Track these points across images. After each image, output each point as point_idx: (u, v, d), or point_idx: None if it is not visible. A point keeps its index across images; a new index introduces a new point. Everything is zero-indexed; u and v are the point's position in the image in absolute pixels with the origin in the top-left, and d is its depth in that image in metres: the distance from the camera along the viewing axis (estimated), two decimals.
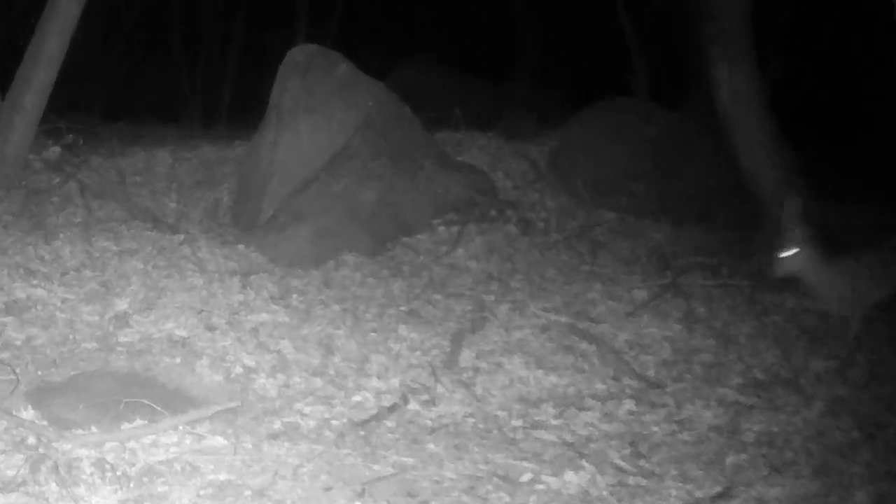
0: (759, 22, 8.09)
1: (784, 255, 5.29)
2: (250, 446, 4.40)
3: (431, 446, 4.55)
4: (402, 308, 6.45)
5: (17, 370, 5.00)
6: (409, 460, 4.38)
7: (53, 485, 3.87)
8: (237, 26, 17.10)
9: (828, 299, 5.65)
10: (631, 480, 4.28)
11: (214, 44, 17.68)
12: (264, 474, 4.11)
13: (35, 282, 6.38)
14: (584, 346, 5.87)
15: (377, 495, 4.00)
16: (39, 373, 5.07)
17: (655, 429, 4.87)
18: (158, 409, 4.57)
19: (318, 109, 8.33)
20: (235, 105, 16.42)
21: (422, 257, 7.50)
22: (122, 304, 6.07)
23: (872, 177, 8.65)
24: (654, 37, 12.35)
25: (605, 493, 4.14)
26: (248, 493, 3.93)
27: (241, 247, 7.40)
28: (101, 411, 4.58)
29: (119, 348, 5.44)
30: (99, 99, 15.85)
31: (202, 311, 6.01)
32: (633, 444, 4.66)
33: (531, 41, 16.58)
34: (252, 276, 6.76)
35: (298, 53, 8.71)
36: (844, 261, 5.53)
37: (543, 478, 4.25)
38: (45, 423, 4.48)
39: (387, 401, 5.05)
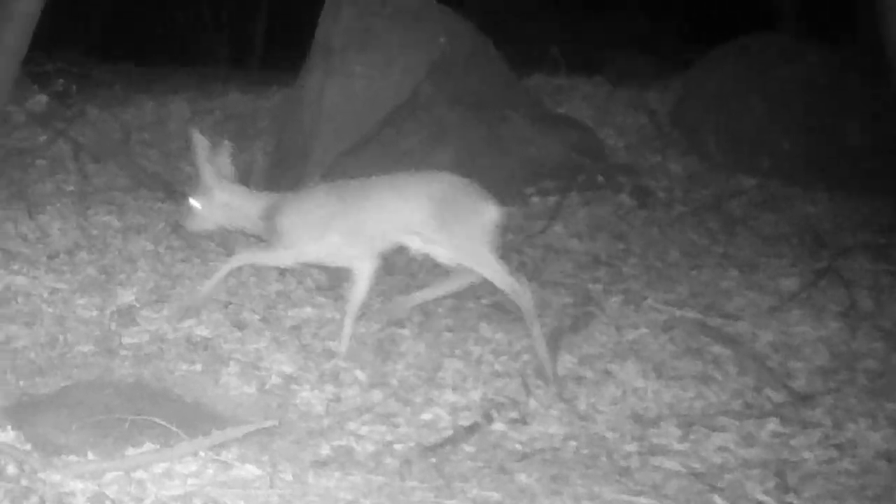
0: None
1: None
2: (291, 477, 4.39)
3: (522, 477, 4.53)
4: (484, 301, 6.48)
5: None
6: (494, 495, 4.36)
7: None
8: None
9: None
10: None
11: None
12: None
13: (15, 267, 6.52)
14: (716, 349, 5.86)
15: None
16: (21, 383, 5.15)
17: (807, 455, 4.83)
18: (173, 429, 4.58)
19: (377, 46, 8.38)
20: (271, 41, 16.62)
21: (510, 236, 7.43)
22: (126, 296, 6.17)
23: None
24: None
25: None
26: None
27: None
28: (100, 432, 4.62)
29: (123, 352, 5.52)
30: (97, 33, 16.22)
31: (229, 304, 6.09)
32: (778, 474, 4.62)
33: None
34: None
35: None
36: None
37: None
38: (29, 447, 4.50)
39: (465, 419, 5.08)
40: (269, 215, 5.68)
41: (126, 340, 5.67)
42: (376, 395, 5.29)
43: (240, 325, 5.90)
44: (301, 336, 5.86)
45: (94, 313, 5.99)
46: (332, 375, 5.45)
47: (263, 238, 5.88)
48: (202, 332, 5.78)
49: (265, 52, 16.71)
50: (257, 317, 6.02)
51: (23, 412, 4.83)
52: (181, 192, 7.85)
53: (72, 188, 7.95)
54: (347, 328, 5.71)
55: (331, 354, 5.65)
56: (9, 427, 4.63)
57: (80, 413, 4.77)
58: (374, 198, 5.65)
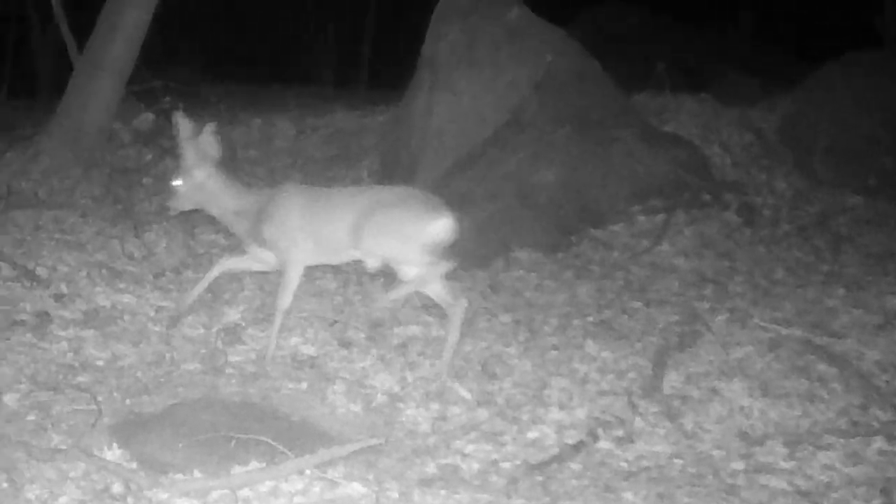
0: None
1: None
2: (397, 495, 4.46)
3: (628, 496, 4.55)
4: (591, 319, 6.55)
5: (100, 398, 5.22)
6: None
7: None
8: None
9: None
10: None
11: None
12: None
13: (122, 286, 6.77)
14: (822, 367, 5.82)
15: None
16: (128, 402, 5.29)
17: None
18: (280, 447, 4.64)
19: (484, 64, 8.50)
20: (378, 59, 16.83)
21: (616, 254, 7.61)
22: (232, 315, 6.36)
23: None
24: None
25: None
26: None
27: None
28: (206, 451, 4.71)
29: (229, 370, 5.66)
30: (203, 51, 16.60)
31: (335, 322, 6.22)
32: (884, 492, 4.58)
33: None
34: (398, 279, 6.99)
35: None
36: None
37: None
38: (135, 465, 4.64)
39: (571, 437, 5.09)
40: (247, 214, 5.90)
41: (232, 359, 5.80)
42: (482, 413, 5.32)
43: (346, 344, 6.01)
44: (407, 354, 5.94)
45: (201, 332, 6.17)
46: (437, 393, 5.50)
47: (230, 231, 6.17)
48: (308, 350, 5.90)
49: (371, 70, 16.92)
50: (363, 335, 6.12)
51: (129, 430, 4.93)
52: None
53: None
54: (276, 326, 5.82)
55: (437, 373, 5.68)
56: (115, 445, 4.77)
57: (187, 431, 4.85)
58: (332, 208, 5.78)
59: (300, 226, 5.75)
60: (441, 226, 5.56)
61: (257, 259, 6.01)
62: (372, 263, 5.77)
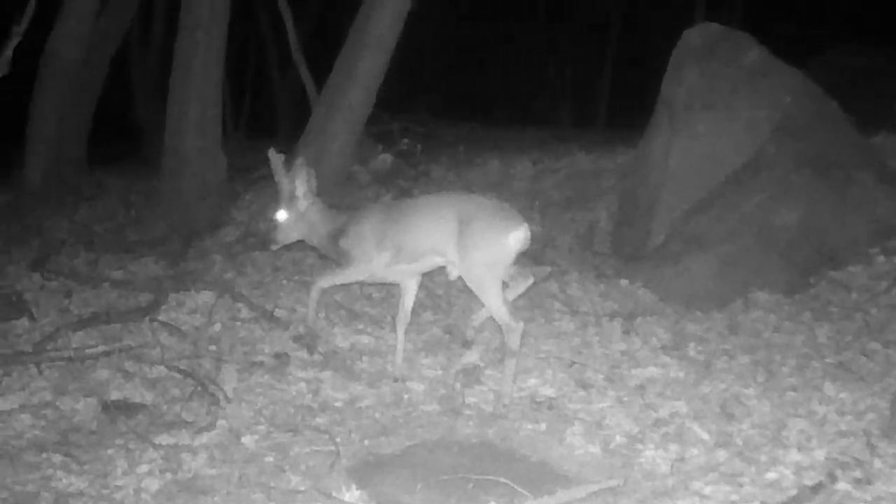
0: None
1: None
2: None
3: None
4: (829, 360, 6.45)
5: (338, 439, 5.33)
6: None
7: None
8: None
9: None
10: None
11: (583, 22, 18.27)
12: None
13: (360, 326, 6.94)
14: None
15: None
16: (366, 443, 5.36)
17: None
18: (518, 488, 4.65)
19: (722, 106, 8.46)
20: (615, 101, 16.79)
21: (854, 295, 7.49)
22: (470, 355, 6.37)
23: None
24: None
25: None
26: None
27: (623, 282, 7.75)
28: (444, 492, 4.73)
29: (467, 411, 5.69)
30: (441, 94, 16.94)
31: (573, 363, 6.23)
32: None
33: None
34: (637, 320, 7.01)
35: (696, 35, 8.90)
36: None
37: None
38: None
39: (810, 478, 4.98)
40: (334, 234, 6.25)
41: (470, 400, 5.84)
42: (721, 454, 5.25)
43: (584, 385, 6.00)
44: (645, 395, 5.90)
45: (439, 373, 6.24)
46: (676, 435, 5.44)
47: (327, 256, 6.45)
48: (547, 391, 5.91)
49: (609, 112, 16.93)
50: (601, 376, 6.11)
51: (368, 471, 5.00)
52: (527, 253, 8.06)
53: None
54: (399, 345, 6.19)
55: (676, 414, 5.66)
56: (354, 486, 4.82)
57: (425, 473, 4.90)
58: (411, 217, 6.02)
59: (378, 240, 6.06)
60: (519, 236, 5.71)
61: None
62: (454, 272, 5.97)
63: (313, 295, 6.32)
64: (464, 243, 5.73)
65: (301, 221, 6.31)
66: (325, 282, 6.33)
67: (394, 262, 6.08)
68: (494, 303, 5.75)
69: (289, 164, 6.31)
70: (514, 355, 5.72)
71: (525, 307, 7.14)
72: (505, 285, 5.84)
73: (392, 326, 6.81)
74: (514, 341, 5.70)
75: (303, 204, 6.26)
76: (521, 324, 5.78)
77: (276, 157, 6.27)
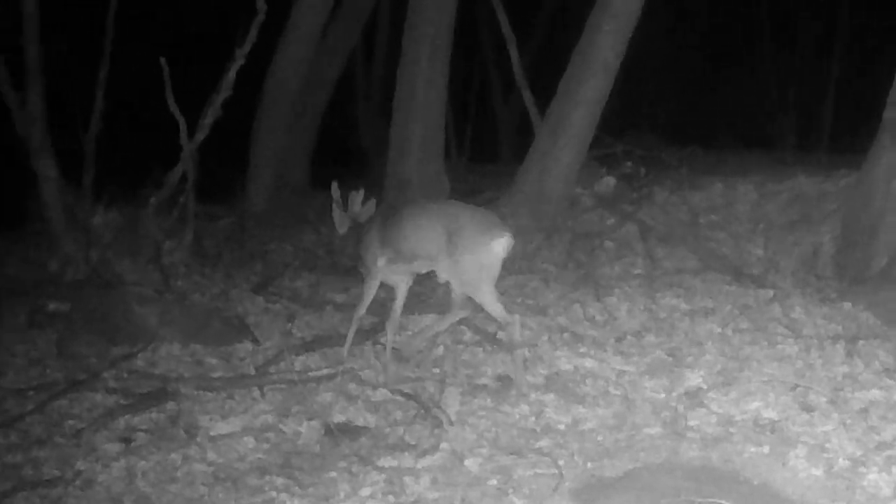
0: None
1: None
2: None
3: None
4: None
5: (561, 462, 5.43)
6: None
7: None
8: (841, 17, 17.28)
9: None
10: None
11: (807, 44, 17.99)
12: None
13: (583, 349, 7.07)
14: None
15: None
16: (589, 465, 5.45)
17: None
18: None
19: None
20: (840, 123, 16.47)
21: None
22: (694, 378, 6.45)
23: None
24: None
25: None
26: None
27: (845, 305, 7.70)
28: None
29: (690, 434, 5.72)
30: (665, 116, 16.95)
31: (796, 386, 6.20)
32: None
33: None
34: (860, 343, 6.94)
35: None
36: None
37: None
38: None
39: None
40: (356, 245, 7.20)
41: (693, 423, 5.87)
42: None
43: (807, 408, 5.96)
44: (868, 418, 5.82)
45: (662, 395, 6.30)
46: None
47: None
48: (769, 414, 5.90)
49: (833, 135, 16.62)
50: (824, 399, 6.06)
51: (591, 494, 5.10)
52: (749, 276, 8.15)
53: (639, 270, 8.47)
54: (389, 336, 6.96)
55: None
56: None
57: (648, 496, 4.97)
58: (405, 224, 6.74)
59: (381, 242, 6.85)
60: (503, 242, 6.35)
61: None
62: (442, 276, 6.61)
63: (353, 325, 7.12)
64: (453, 250, 6.39)
65: (345, 239, 7.66)
66: (360, 308, 7.10)
67: (392, 262, 6.81)
68: (489, 302, 6.36)
69: (345, 197, 7.33)
70: (517, 346, 6.40)
71: (748, 330, 7.18)
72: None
73: (615, 349, 6.97)
74: (513, 334, 6.35)
75: (339, 229, 7.45)
76: (517, 317, 6.40)
77: (335, 188, 7.32)
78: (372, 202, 7.36)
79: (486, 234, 6.36)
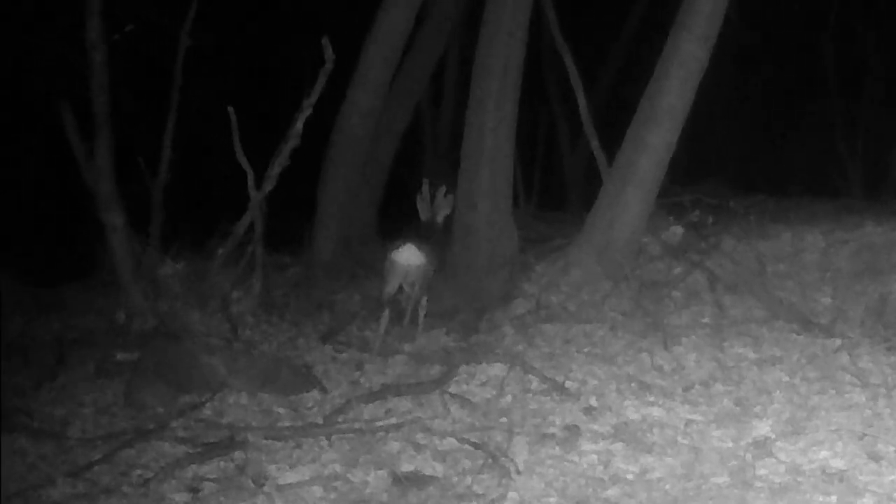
0: None
1: None
2: None
3: None
4: None
5: None
6: None
7: None
8: None
9: None
10: None
11: (875, 93, 18.03)
12: None
13: (651, 398, 7.16)
14: None
15: None
16: None
17: None
18: None
19: None
20: None
21: None
22: (762, 427, 6.51)
23: None
24: None
25: None
26: None
27: None
28: None
29: (758, 483, 5.79)
30: (732, 165, 17.01)
31: (864, 435, 6.24)
32: None
33: None
34: None
35: None
36: None
37: None
38: None
39: None
40: None
41: (761, 472, 5.92)
42: None
43: (875, 457, 5.99)
44: None
45: (730, 445, 6.34)
46: None
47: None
48: (837, 463, 5.93)
49: None
50: (892, 448, 6.08)
51: None
52: (817, 325, 8.24)
53: (707, 319, 8.52)
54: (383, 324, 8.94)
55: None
56: None
57: None
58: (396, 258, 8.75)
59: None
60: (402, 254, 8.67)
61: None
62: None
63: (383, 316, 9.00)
64: None
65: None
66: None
67: None
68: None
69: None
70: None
71: (816, 379, 7.24)
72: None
73: (683, 398, 7.05)
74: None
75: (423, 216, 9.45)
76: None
77: (425, 185, 9.43)
78: (451, 197, 9.37)
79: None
